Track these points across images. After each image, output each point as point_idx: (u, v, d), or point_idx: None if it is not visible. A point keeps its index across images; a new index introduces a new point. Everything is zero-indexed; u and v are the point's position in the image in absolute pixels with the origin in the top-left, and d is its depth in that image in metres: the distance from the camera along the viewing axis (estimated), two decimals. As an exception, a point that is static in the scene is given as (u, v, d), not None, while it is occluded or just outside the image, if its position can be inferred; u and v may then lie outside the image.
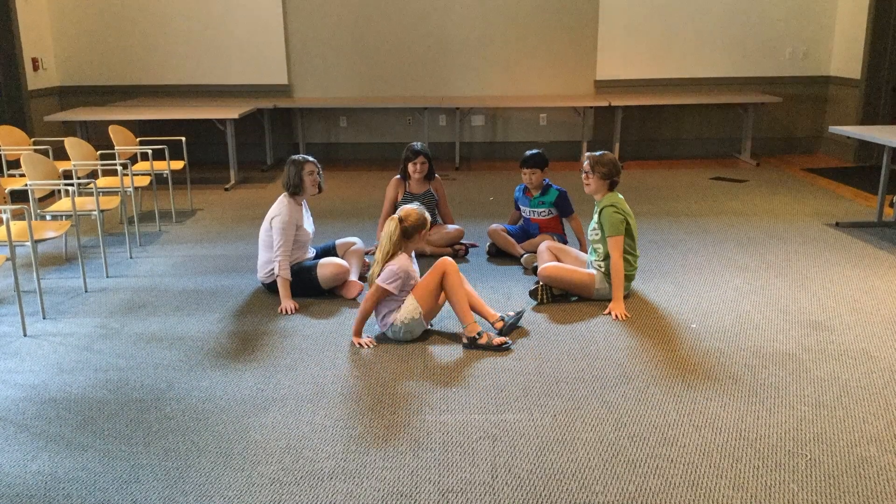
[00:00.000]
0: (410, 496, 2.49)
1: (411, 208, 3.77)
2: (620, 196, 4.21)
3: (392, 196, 5.13)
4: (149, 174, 5.85)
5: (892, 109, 7.81)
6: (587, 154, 4.24)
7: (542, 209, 4.93)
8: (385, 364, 3.46)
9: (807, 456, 2.68)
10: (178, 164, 6.15)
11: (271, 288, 4.30)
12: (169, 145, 6.09)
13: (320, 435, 2.86)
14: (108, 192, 5.48)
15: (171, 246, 5.39)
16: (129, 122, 6.84)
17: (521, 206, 5.07)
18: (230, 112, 7.06)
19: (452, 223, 5.22)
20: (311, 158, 4.35)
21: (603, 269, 4.17)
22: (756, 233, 5.45)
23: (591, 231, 4.23)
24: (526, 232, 5.04)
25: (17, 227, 4.19)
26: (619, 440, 2.80)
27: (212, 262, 4.99)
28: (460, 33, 8.25)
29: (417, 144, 5.08)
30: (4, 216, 3.94)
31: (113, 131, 6.12)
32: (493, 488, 2.52)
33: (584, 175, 4.20)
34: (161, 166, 6.01)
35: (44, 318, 4.06)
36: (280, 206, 4.24)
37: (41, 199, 5.60)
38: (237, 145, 7.64)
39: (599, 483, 2.54)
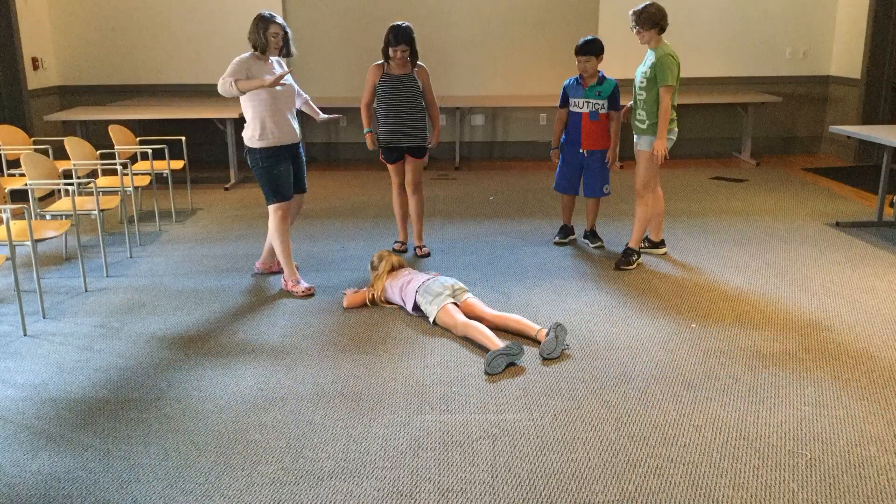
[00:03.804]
0: (410, 496, 2.49)
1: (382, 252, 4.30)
2: (669, 45, 4.51)
3: (371, 81, 4.87)
4: (149, 174, 5.85)
5: (892, 109, 7.81)
6: (630, 12, 4.50)
7: (598, 101, 4.92)
8: (385, 364, 3.46)
9: (807, 456, 2.68)
10: (178, 164, 6.14)
11: (253, 157, 4.31)
12: (169, 145, 6.09)
13: (320, 434, 2.86)
14: (108, 192, 5.48)
15: (171, 245, 5.39)
16: (128, 121, 6.84)
17: (572, 98, 5.02)
18: (230, 111, 7.06)
19: (437, 115, 4.99)
20: (278, 20, 4.34)
21: (645, 123, 4.60)
22: (756, 232, 5.45)
23: (640, 77, 4.59)
24: (574, 168, 5.10)
25: (17, 226, 4.19)
26: (619, 440, 2.80)
27: (212, 262, 4.99)
28: (460, 33, 8.25)
29: (403, 23, 4.70)
30: (4, 216, 3.94)
31: (113, 131, 6.12)
32: (493, 488, 2.52)
33: (634, 31, 4.51)
34: (161, 166, 6.01)
35: (44, 318, 4.06)
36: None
37: (41, 199, 5.60)
38: (237, 145, 7.63)
39: (599, 483, 2.54)
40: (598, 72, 4.97)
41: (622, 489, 2.51)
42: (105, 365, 3.48)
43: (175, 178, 6.49)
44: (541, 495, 2.48)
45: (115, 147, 5.99)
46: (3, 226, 3.97)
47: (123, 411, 3.06)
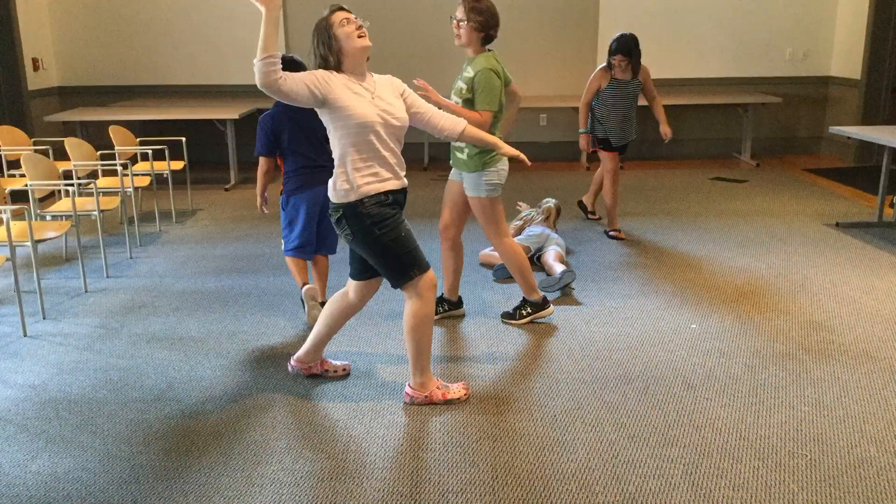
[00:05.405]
0: (410, 496, 2.49)
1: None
2: (496, 60, 3.56)
3: (597, 84, 5.33)
4: (149, 174, 5.85)
5: (892, 110, 7.81)
6: None
7: None
8: (385, 364, 3.46)
9: (806, 456, 2.68)
10: (178, 165, 6.14)
11: (348, 214, 2.87)
12: (169, 145, 6.09)
13: (320, 435, 2.86)
14: (109, 193, 5.48)
15: (171, 246, 5.39)
16: (129, 122, 6.84)
17: None
18: (230, 112, 7.06)
19: (660, 107, 5.56)
20: (342, 4, 2.91)
21: (464, 153, 3.61)
22: (756, 233, 5.45)
23: (456, 93, 3.59)
24: None
25: (17, 227, 4.19)
26: (619, 440, 2.80)
27: (212, 262, 4.99)
28: (460, 33, 8.25)
29: (626, 35, 5.23)
30: (5, 216, 3.94)
31: (113, 131, 6.12)
32: (493, 489, 2.52)
33: (454, 23, 3.52)
34: (161, 166, 6.01)
35: (44, 319, 4.06)
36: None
37: (41, 200, 5.60)
38: (237, 145, 7.64)
39: (599, 483, 2.54)
40: None
41: (622, 490, 2.50)
42: (105, 365, 3.48)
43: (175, 179, 6.50)
44: (541, 496, 2.48)
45: (116, 148, 5.99)
46: (4, 226, 3.97)
47: (123, 411, 3.06)
